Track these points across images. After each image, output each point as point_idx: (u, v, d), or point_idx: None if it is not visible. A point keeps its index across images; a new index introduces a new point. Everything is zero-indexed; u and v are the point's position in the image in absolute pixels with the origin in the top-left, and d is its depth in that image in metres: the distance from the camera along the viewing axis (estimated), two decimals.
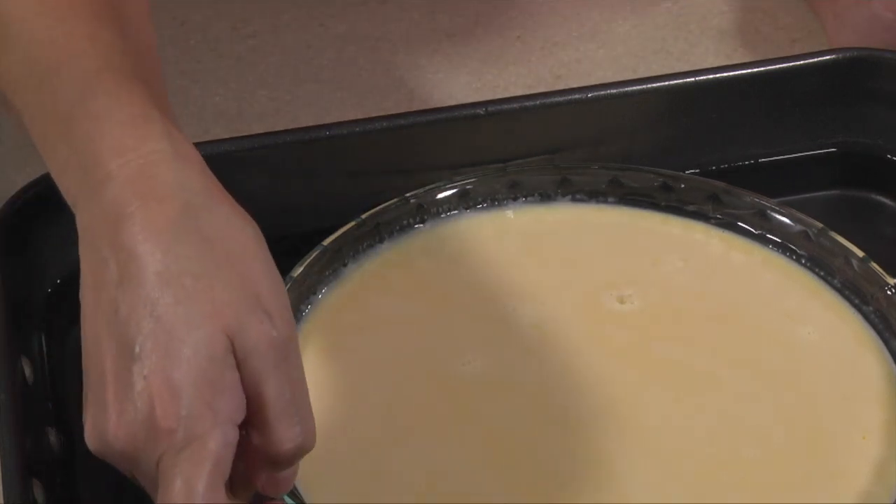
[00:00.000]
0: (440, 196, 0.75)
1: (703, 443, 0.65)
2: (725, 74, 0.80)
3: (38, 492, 0.63)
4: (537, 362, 0.68)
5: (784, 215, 0.73)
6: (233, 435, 0.51)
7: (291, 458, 0.53)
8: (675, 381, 0.67)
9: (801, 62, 0.81)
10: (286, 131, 0.77)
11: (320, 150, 0.76)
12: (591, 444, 0.64)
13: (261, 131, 0.77)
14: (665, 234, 0.75)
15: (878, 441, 0.65)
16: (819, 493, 0.63)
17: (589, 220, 0.75)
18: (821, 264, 0.72)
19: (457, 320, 0.70)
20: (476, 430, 0.65)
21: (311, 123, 0.79)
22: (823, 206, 0.81)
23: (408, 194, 0.74)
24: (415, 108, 0.82)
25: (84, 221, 0.55)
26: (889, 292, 0.69)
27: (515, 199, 0.76)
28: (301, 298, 0.69)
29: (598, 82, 0.80)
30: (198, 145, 0.56)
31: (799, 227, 0.73)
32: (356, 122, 0.77)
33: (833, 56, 0.81)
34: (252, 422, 0.52)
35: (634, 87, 0.79)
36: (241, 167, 0.74)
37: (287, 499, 0.58)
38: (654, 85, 0.79)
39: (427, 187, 0.74)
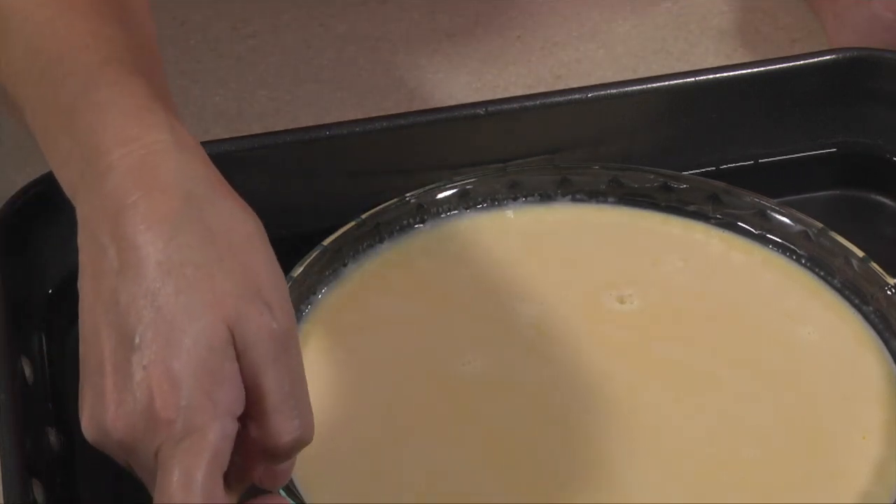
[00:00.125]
0: (440, 196, 0.74)
1: (703, 443, 0.65)
2: (725, 74, 0.80)
3: (38, 492, 0.63)
4: (537, 362, 0.68)
5: (784, 215, 0.73)
6: (232, 427, 0.51)
7: (289, 451, 0.53)
8: (675, 381, 0.67)
9: (801, 62, 0.81)
10: (286, 131, 0.77)
11: (320, 150, 0.76)
12: (591, 444, 0.64)
13: (261, 131, 0.77)
14: (665, 234, 0.75)
15: (878, 441, 0.65)
16: (819, 494, 0.63)
17: (589, 220, 0.75)
18: (821, 264, 0.72)
19: (457, 320, 0.70)
20: (476, 430, 0.65)
21: (311, 123, 0.79)
22: (823, 206, 0.81)
23: (408, 194, 0.74)
24: (415, 108, 0.82)
25: (84, 212, 0.54)
26: (889, 292, 0.69)
27: (515, 199, 0.76)
28: (301, 298, 0.69)
29: (598, 82, 0.80)
30: None
31: (799, 227, 0.73)
32: (356, 122, 0.77)
33: (833, 56, 0.81)
34: (250, 414, 0.52)
35: (634, 87, 0.79)
36: (241, 167, 0.74)
37: (287, 498, 0.58)
38: (654, 85, 0.79)
39: (427, 187, 0.74)
